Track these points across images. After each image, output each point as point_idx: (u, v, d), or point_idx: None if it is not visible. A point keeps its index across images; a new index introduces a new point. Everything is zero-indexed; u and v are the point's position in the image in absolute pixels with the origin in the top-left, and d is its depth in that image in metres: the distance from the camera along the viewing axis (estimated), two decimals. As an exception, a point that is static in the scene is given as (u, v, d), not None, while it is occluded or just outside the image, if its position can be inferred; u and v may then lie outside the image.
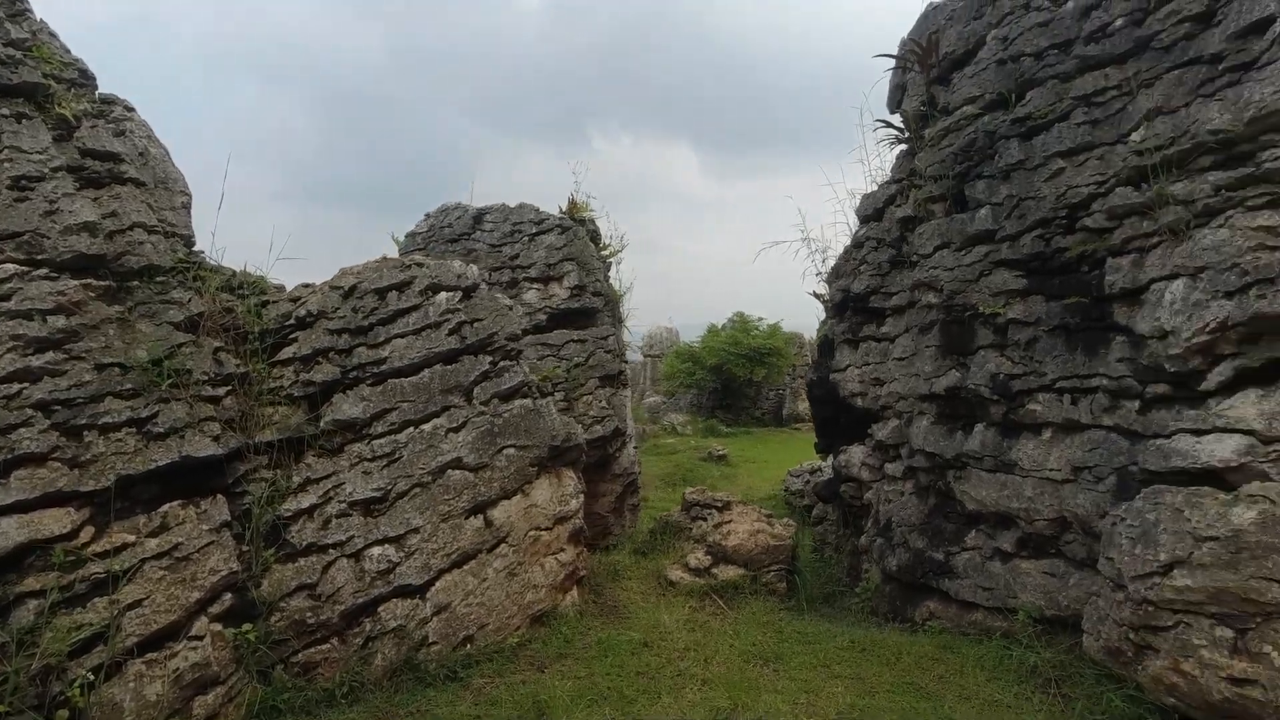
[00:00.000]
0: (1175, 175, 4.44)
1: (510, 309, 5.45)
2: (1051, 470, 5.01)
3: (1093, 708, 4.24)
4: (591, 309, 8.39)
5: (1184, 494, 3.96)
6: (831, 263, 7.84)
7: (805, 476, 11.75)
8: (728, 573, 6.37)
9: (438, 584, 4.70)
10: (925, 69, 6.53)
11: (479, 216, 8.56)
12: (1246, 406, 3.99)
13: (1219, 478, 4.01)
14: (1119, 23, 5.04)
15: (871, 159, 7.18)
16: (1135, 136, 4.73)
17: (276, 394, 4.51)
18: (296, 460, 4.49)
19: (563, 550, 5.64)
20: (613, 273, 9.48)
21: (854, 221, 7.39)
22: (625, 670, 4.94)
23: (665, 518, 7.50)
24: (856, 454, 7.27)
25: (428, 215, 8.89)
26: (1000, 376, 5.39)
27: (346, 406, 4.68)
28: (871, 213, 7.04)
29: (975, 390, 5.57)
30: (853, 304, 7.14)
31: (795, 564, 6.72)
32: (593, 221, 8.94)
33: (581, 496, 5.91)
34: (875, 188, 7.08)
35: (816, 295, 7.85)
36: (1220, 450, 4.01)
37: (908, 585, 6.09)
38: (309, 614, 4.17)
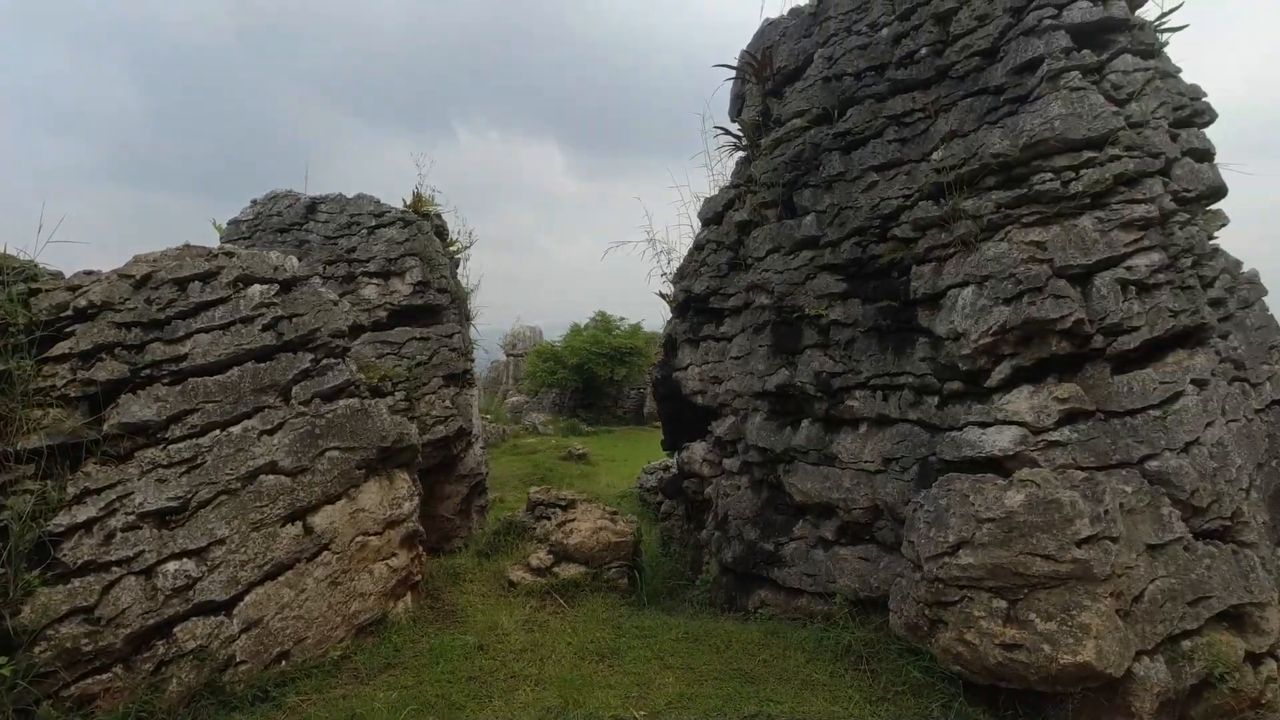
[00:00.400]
0: (967, 193, 4.90)
1: (335, 304, 5.15)
2: (866, 462, 5.39)
3: (895, 680, 4.58)
4: (436, 306, 8.12)
5: (970, 480, 4.37)
6: (678, 264, 8.05)
7: (659, 473, 11.99)
8: (569, 571, 6.36)
9: (247, 598, 4.35)
10: (761, 81, 6.84)
11: (312, 206, 8.04)
12: (1021, 401, 4.47)
13: (1000, 465, 4.47)
14: (923, 51, 5.50)
15: (715, 164, 7.41)
16: (936, 156, 5.18)
17: (47, 395, 3.98)
18: (73, 469, 3.99)
19: (395, 555, 5.40)
20: (461, 270, 9.24)
21: (698, 224, 7.62)
22: (456, 676, 4.81)
23: (510, 518, 7.40)
24: (698, 450, 7.49)
25: (254, 202, 8.24)
26: (823, 375, 5.73)
27: (136, 408, 4.22)
28: (712, 216, 7.28)
29: (802, 388, 5.89)
30: (694, 304, 7.35)
31: (638, 559, 6.82)
32: (438, 216, 8.65)
33: (416, 499, 5.69)
34: (717, 192, 7.33)
35: (662, 295, 8.03)
36: (1000, 440, 4.47)
37: (742, 575, 6.35)
38: (85, 640, 3.72)
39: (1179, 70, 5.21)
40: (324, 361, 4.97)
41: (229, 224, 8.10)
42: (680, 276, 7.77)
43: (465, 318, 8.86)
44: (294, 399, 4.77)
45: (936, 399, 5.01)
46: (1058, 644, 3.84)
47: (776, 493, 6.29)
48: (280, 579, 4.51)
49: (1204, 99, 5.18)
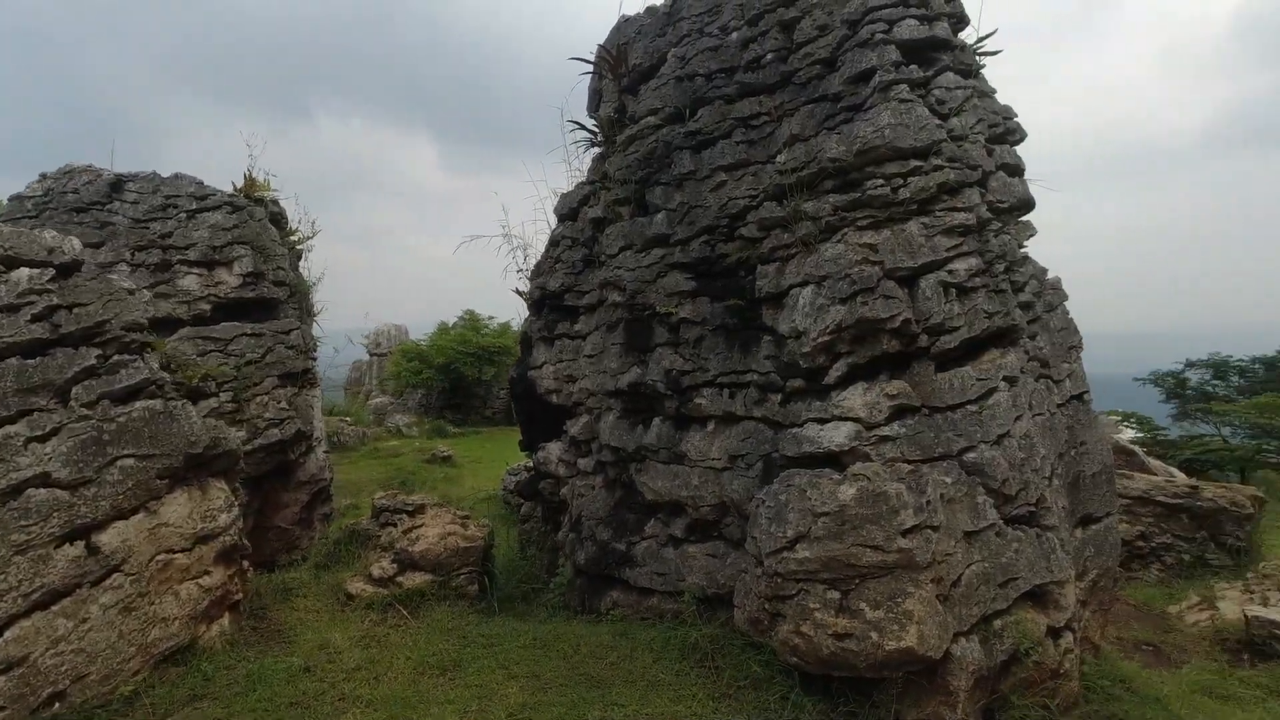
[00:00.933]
0: (807, 195, 5.03)
1: (131, 293, 4.55)
2: (714, 459, 5.43)
3: (737, 676, 4.62)
4: (271, 300, 7.46)
5: (809, 476, 4.47)
6: (538, 260, 7.84)
7: (522, 475, 11.70)
8: (415, 580, 6.01)
9: (8, 633, 3.73)
10: (617, 78, 6.78)
11: (118, 184, 7.14)
12: (855, 398, 4.63)
13: (837, 460, 4.61)
14: (770, 57, 5.62)
15: (573, 159, 7.27)
16: (780, 158, 5.30)
17: None
18: None
19: (208, 573, 4.87)
20: (303, 262, 8.58)
21: (555, 220, 7.45)
22: (275, 703, 4.38)
23: (352, 526, 6.91)
24: (554, 450, 7.33)
25: (44, 176, 7.20)
26: (673, 373, 5.73)
27: None
28: (567, 212, 7.14)
29: (653, 386, 5.86)
30: (549, 301, 7.18)
31: (489, 564, 6.56)
32: (275, 202, 7.96)
33: (236, 510, 5.16)
34: (574, 188, 7.20)
35: (519, 293, 7.80)
36: (837, 436, 4.60)
37: (595, 577, 6.24)
38: None
39: (994, 91, 5.61)
40: (115, 358, 4.37)
41: (10, 200, 7.03)
42: (537, 273, 7.58)
43: (307, 313, 8.23)
44: (74, 401, 4.16)
45: (780, 396, 5.11)
46: (884, 631, 4.00)
47: (629, 492, 6.24)
48: (54, 608, 3.91)
49: (1015, 119, 5.61)
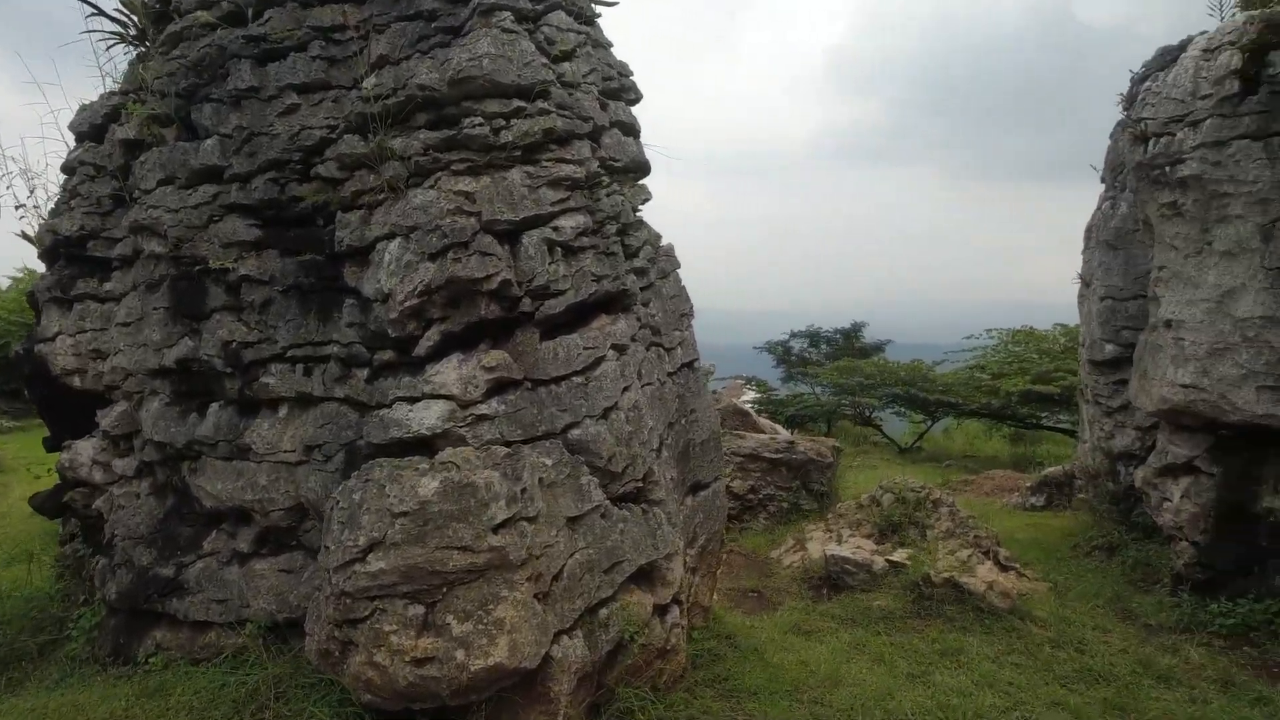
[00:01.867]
0: (396, 130, 4.16)
1: None
2: (286, 452, 4.35)
3: (299, 725, 3.68)
4: None
5: (389, 468, 3.67)
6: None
7: (80, 480, 9.05)
8: None
9: None
10: (159, -46, 5.12)
11: None
12: (449, 372, 3.92)
13: (430, 445, 3.88)
14: (357, -46, 4.58)
15: (105, 61, 5.34)
16: (367, 83, 4.32)
17: None
18: None
19: None
20: None
21: (74, 141, 5.51)
22: None
23: None
24: (85, 450, 5.50)
25: None
26: (234, 345, 4.48)
27: None
28: (89, 130, 5.30)
29: (208, 362, 4.54)
30: (66, 250, 5.29)
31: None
32: None
33: None
34: (97, 98, 5.36)
35: (26, 237, 5.66)
36: (428, 418, 3.87)
37: (133, 614, 4.75)
38: None
39: (611, 44, 5.29)
40: None
41: None
42: (55, 213, 5.56)
43: None
44: None
45: (367, 372, 4.22)
46: (471, 648, 3.39)
47: (182, 499, 4.84)
48: None
49: (631, 77, 5.36)
